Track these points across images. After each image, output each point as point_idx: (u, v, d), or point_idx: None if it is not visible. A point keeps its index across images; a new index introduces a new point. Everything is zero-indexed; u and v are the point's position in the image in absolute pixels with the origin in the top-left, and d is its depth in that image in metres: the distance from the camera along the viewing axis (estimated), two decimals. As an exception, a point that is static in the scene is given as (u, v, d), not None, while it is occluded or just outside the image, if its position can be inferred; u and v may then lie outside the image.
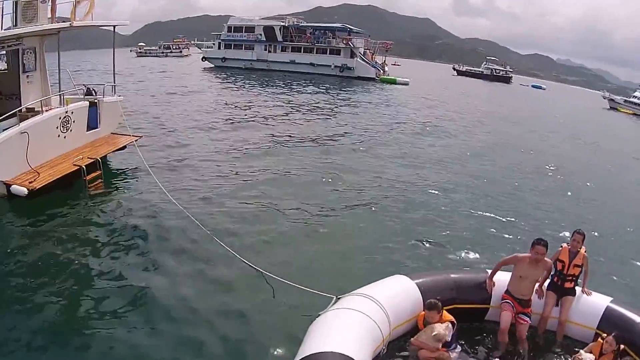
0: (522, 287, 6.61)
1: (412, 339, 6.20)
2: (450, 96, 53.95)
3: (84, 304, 7.28)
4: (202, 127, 21.60)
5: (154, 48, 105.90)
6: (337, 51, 65.22)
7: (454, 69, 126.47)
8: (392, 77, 64.19)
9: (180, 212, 10.42)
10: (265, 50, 68.26)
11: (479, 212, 12.85)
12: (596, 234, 11.55)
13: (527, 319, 6.59)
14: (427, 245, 10.35)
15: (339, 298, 6.25)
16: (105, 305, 7.26)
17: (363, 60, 65.21)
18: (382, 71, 66.64)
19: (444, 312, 6.19)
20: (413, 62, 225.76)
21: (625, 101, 78.32)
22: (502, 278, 6.86)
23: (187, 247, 9.36)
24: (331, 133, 22.94)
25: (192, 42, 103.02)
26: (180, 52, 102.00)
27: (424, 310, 6.26)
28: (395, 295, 6.36)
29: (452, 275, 7.10)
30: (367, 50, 68.65)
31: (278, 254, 9.36)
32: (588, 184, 18.15)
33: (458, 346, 6.23)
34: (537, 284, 6.76)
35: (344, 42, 65.14)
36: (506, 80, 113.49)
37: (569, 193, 16.21)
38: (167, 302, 7.47)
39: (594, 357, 5.78)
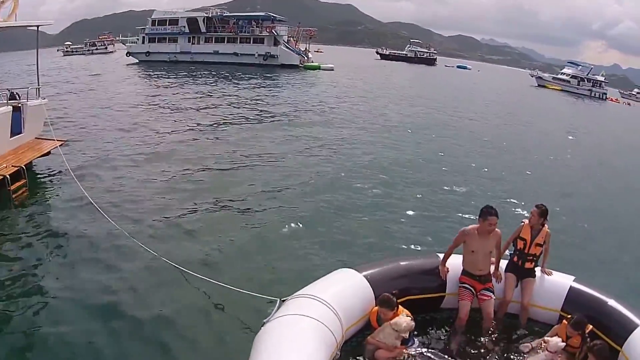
0: (477, 261, 6.20)
1: (368, 337, 5.70)
2: (377, 79, 54.88)
3: (6, 315, 6.74)
4: (124, 127, 20.66)
5: (80, 46, 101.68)
6: (261, 40, 64.82)
7: (378, 52, 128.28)
8: (316, 64, 64.60)
9: (103, 220, 9.75)
10: (189, 42, 67.12)
11: (419, 195, 12.88)
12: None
13: (490, 293, 6.22)
14: (370, 232, 10.10)
15: (283, 301, 5.56)
16: (26, 318, 6.73)
17: (287, 47, 65.22)
18: (306, 58, 66.86)
19: (399, 306, 5.72)
20: (336, 48, 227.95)
21: (554, 78, 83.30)
22: (455, 262, 6.46)
23: (113, 254, 8.78)
24: (253, 124, 22.66)
25: (117, 38, 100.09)
26: (106, 48, 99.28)
27: (376, 306, 5.78)
28: (344, 292, 5.77)
29: (403, 264, 6.56)
30: (291, 38, 68.81)
31: (212, 255, 8.81)
32: (536, 156, 19.06)
33: (415, 341, 5.81)
34: (492, 266, 6.43)
35: (268, 30, 64.87)
36: (430, 62, 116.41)
37: (516, 169, 16.75)
38: (91, 313, 6.86)
39: (561, 339, 5.48)
